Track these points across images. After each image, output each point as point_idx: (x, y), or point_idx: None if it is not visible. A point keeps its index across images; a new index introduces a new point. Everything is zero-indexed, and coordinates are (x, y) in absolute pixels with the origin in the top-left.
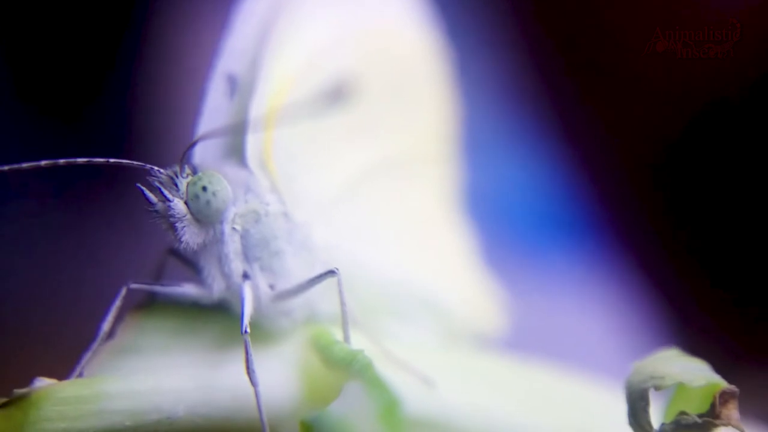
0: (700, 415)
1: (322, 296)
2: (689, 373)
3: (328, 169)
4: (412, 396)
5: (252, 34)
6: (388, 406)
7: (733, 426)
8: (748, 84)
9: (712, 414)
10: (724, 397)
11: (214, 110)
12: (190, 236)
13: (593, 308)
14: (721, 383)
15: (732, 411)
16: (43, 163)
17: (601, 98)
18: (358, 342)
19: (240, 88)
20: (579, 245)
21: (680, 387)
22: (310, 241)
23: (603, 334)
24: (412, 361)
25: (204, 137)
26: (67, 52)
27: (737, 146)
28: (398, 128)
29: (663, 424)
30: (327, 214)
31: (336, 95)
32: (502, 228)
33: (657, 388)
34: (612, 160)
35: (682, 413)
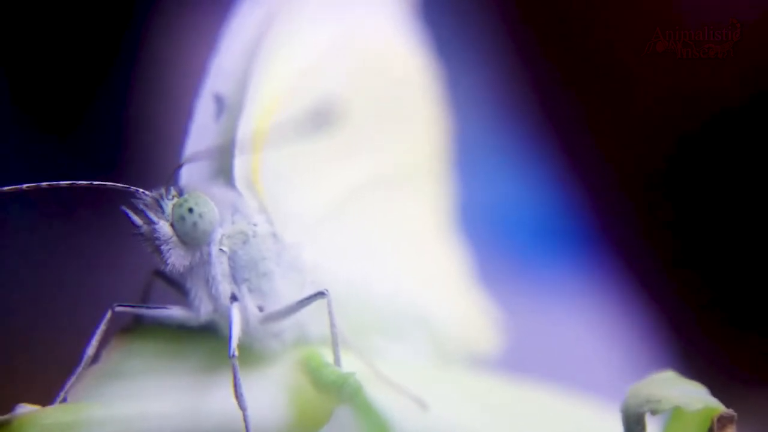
0: None
1: (312, 317)
2: (686, 396)
3: (316, 188)
4: (404, 417)
5: (239, 53)
6: (378, 431)
7: None
8: (749, 85)
9: None
10: (722, 421)
11: (201, 130)
12: (176, 258)
13: (590, 324)
14: (719, 407)
15: None
16: (24, 186)
17: (598, 110)
18: (349, 363)
19: (227, 109)
20: (576, 260)
21: (677, 411)
22: (300, 262)
23: (600, 351)
24: (404, 380)
25: (190, 159)
26: (63, 63)
27: (739, 156)
28: (388, 145)
29: None
30: (315, 233)
31: (320, 118)
32: (499, 244)
33: (654, 412)
34: (609, 173)
35: None
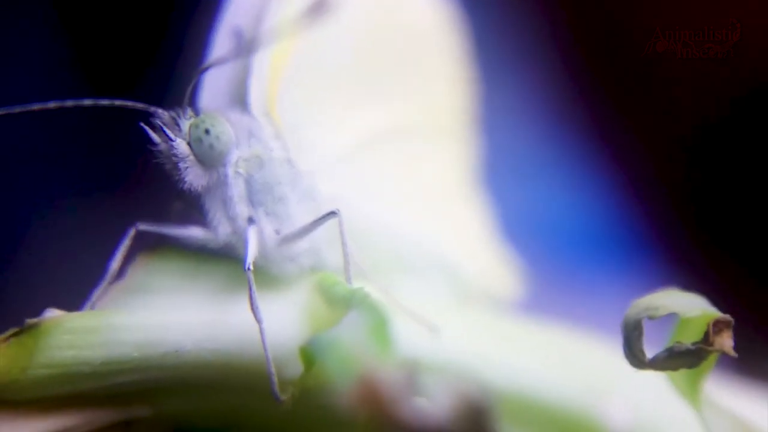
0: (694, 343)
1: (329, 244)
2: (684, 304)
3: (336, 126)
4: (416, 341)
5: None
6: (378, 323)
7: (726, 353)
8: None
9: (706, 342)
10: (718, 325)
11: (220, 57)
12: (194, 177)
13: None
14: (717, 313)
15: (726, 339)
16: (51, 104)
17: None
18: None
19: (246, 42)
20: (623, 265)
21: (680, 322)
22: (315, 190)
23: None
24: (421, 311)
25: (204, 70)
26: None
27: None
28: (412, 98)
29: (657, 353)
30: (334, 169)
31: (318, 8)
32: (547, 250)
33: (651, 317)
34: (656, 176)
35: (677, 342)
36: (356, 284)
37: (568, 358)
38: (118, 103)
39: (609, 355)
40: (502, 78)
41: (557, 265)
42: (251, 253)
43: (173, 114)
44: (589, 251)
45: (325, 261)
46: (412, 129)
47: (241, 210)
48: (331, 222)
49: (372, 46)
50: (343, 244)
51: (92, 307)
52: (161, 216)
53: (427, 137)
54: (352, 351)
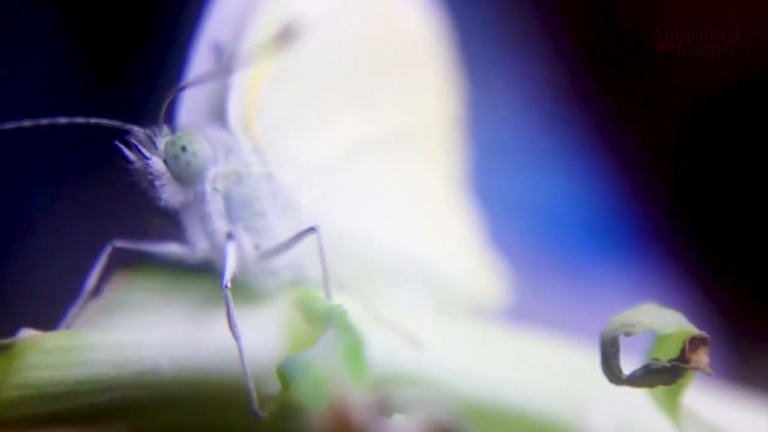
0: (670, 361)
1: (309, 259)
2: (661, 321)
3: (320, 135)
4: (397, 354)
5: (239, 1)
6: (353, 346)
7: (702, 370)
8: None
9: (682, 359)
10: (695, 342)
11: (199, 74)
12: (170, 195)
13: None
14: (693, 330)
15: (702, 356)
16: (25, 123)
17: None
18: (345, 303)
19: (225, 57)
20: (622, 255)
21: (657, 339)
22: (296, 204)
23: None
24: (403, 323)
25: (176, 91)
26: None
27: None
28: (399, 104)
29: (634, 370)
30: (316, 180)
31: (285, 36)
32: (546, 238)
33: (627, 334)
34: (652, 164)
35: (654, 359)
36: (337, 298)
37: (551, 367)
38: (93, 121)
39: (591, 363)
40: (496, 70)
41: (554, 255)
42: (229, 270)
43: (149, 132)
44: (587, 241)
45: (306, 275)
46: (397, 136)
47: (220, 226)
48: (312, 236)
49: (356, 53)
50: (322, 259)
51: (68, 326)
52: (140, 232)
53: (414, 143)
54: (324, 375)
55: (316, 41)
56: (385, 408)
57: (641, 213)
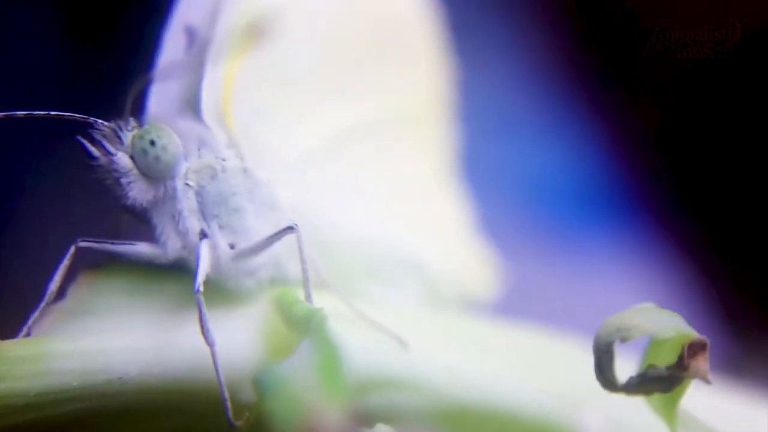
0: (668, 367)
1: (289, 256)
2: (658, 325)
3: (303, 125)
4: (383, 356)
5: None
6: (329, 360)
7: (701, 378)
8: None
9: (680, 366)
10: (693, 348)
11: (170, 64)
12: (138, 192)
13: (628, 288)
14: (692, 334)
15: (701, 363)
16: None
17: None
18: (327, 303)
19: (199, 41)
20: (613, 222)
21: (654, 341)
22: (274, 200)
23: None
24: (389, 322)
25: (143, 82)
26: None
27: None
28: (386, 89)
29: (630, 378)
30: (299, 172)
31: (254, 32)
32: (538, 206)
33: (623, 339)
34: (644, 136)
35: (650, 366)
36: (319, 297)
37: (544, 364)
38: (54, 114)
39: (586, 359)
40: (486, 49)
41: (551, 237)
42: (201, 273)
43: (114, 125)
44: (584, 219)
45: (286, 272)
46: (386, 123)
47: (192, 224)
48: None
49: (340, 39)
50: (302, 260)
51: (29, 333)
52: (108, 230)
53: (402, 130)
54: (298, 390)
55: (298, 28)
56: (363, 421)
57: (639, 189)
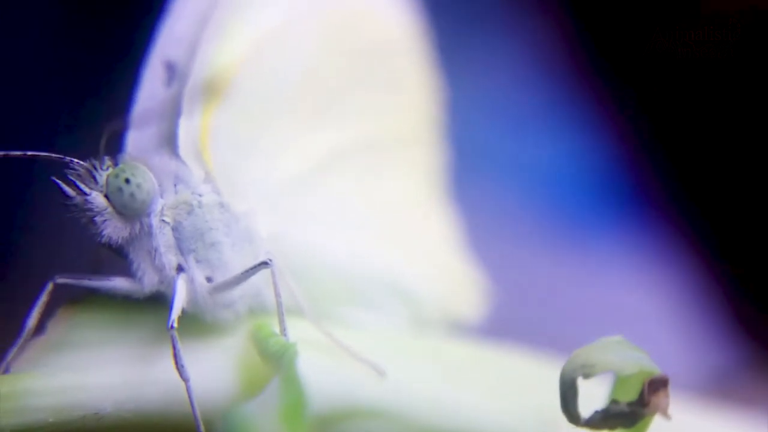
0: (629, 404)
1: (267, 287)
2: (621, 361)
3: (282, 154)
4: (359, 384)
5: (192, 17)
6: (293, 404)
7: (661, 414)
8: None
9: (641, 402)
10: (654, 384)
11: (149, 98)
12: (113, 230)
13: (639, 284)
14: (654, 371)
15: (662, 399)
16: None
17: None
18: (304, 332)
19: (178, 76)
20: (624, 218)
21: (619, 377)
22: (252, 232)
23: (650, 310)
24: (368, 349)
25: (115, 127)
26: None
27: None
28: (370, 112)
29: (593, 413)
30: (279, 201)
31: (211, 89)
32: (547, 203)
33: (586, 376)
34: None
35: (613, 402)
36: (297, 327)
37: (523, 388)
38: (30, 153)
39: None
40: (490, 36)
41: (560, 224)
42: (176, 309)
43: (89, 165)
44: (588, 202)
45: (264, 303)
46: (369, 145)
47: (169, 259)
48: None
49: (323, 64)
50: (277, 295)
51: (7, 369)
52: (86, 265)
53: (389, 151)
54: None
55: (279, 54)
56: None
57: (645, 189)
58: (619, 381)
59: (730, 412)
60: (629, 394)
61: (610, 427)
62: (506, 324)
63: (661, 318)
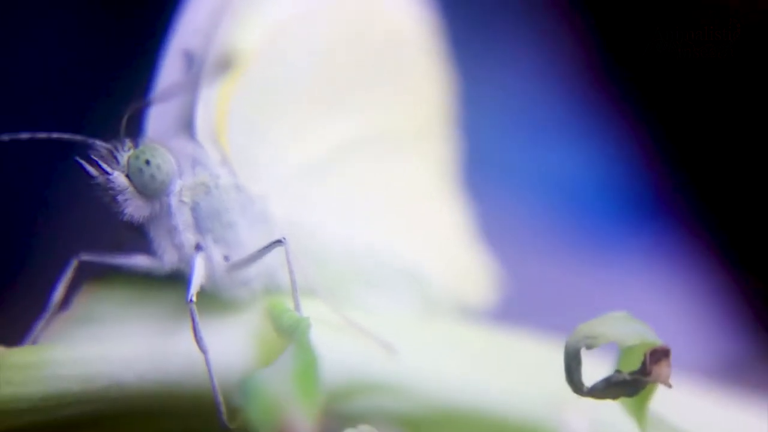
0: (631, 373)
1: (282, 266)
2: (624, 333)
3: (299, 140)
4: (371, 362)
5: (209, 7)
6: (306, 368)
7: (663, 383)
8: None
9: (643, 372)
10: (656, 355)
11: (167, 87)
12: (134, 209)
13: (660, 291)
14: (656, 342)
15: (663, 368)
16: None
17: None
18: (317, 311)
19: (196, 65)
20: (643, 225)
21: (623, 349)
22: (267, 214)
23: (670, 316)
24: (378, 329)
25: (138, 107)
26: None
27: None
28: (386, 102)
29: (596, 382)
30: (297, 186)
31: (224, 64)
32: (559, 209)
33: (589, 347)
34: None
35: (616, 371)
36: (309, 306)
37: (532, 368)
38: (55, 135)
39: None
40: (497, 54)
41: (576, 228)
42: (195, 284)
43: (110, 146)
44: (605, 212)
45: (279, 283)
46: (384, 134)
47: (187, 238)
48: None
49: (337, 54)
50: (290, 272)
51: (35, 341)
52: (110, 242)
53: (400, 142)
54: (274, 398)
55: (294, 44)
56: (343, 424)
57: (661, 194)
58: (623, 353)
59: (745, 398)
60: (632, 365)
61: (613, 396)
62: (516, 316)
63: (679, 319)
